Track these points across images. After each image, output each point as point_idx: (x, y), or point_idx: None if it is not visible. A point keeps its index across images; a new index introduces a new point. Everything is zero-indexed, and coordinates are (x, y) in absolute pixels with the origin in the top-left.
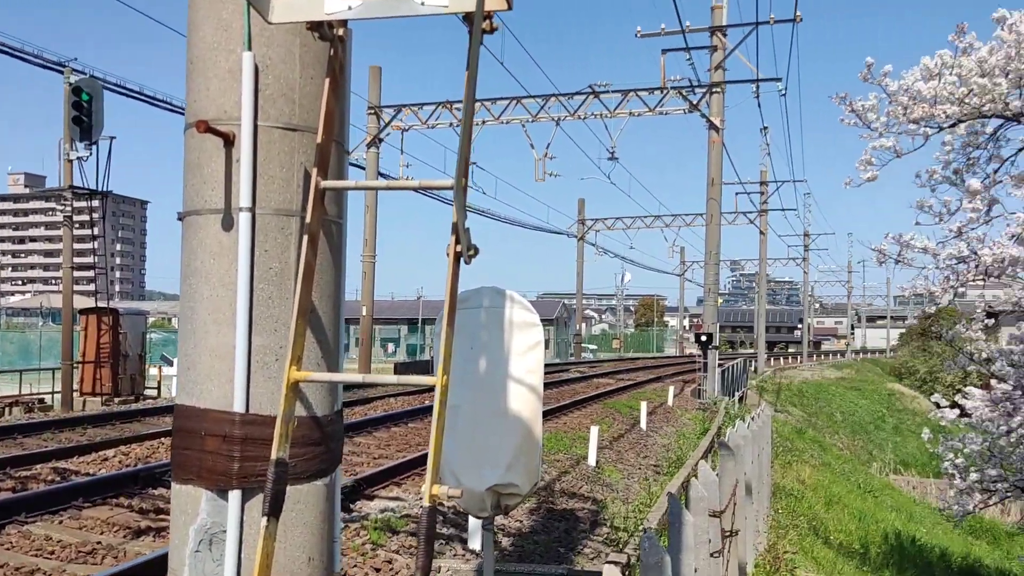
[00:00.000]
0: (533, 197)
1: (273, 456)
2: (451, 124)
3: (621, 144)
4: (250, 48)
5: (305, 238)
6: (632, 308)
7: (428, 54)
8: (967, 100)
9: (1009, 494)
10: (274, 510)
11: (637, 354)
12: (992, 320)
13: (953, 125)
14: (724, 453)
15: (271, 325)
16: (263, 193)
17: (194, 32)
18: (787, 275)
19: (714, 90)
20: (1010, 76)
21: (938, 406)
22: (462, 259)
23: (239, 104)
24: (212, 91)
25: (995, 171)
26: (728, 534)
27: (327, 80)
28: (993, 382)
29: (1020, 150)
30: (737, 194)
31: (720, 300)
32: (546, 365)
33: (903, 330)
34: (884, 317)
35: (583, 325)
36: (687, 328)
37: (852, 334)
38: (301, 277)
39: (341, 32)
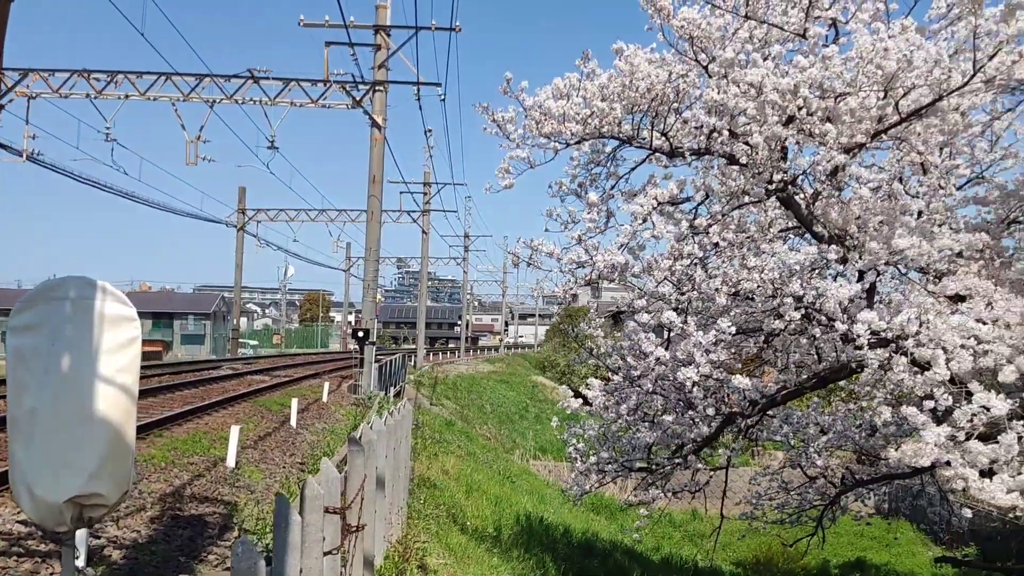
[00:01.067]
0: (186, 182)
1: None
2: (88, 95)
3: (283, 134)
4: None
5: None
6: (297, 303)
7: (63, 19)
8: (589, 121)
9: (619, 474)
10: None
11: (300, 350)
12: (603, 319)
13: (579, 142)
14: (353, 449)
15: None
16: None
17: None
18: (451, 274)
19: (377, 88)
20: (624, 103)
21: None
22: None
23: None
24: None
25: (612, 187)
26: (353, 529)
27: None
28: (611, 374)
29: (632, 169)
30: (402, 193)
31: (384, 297)
32: (199, 361)
33: (548, 327)
34: (534, 315)
35: (243, 320)
36: (352, 324)
37: (506, 331)
38: None
39: None
